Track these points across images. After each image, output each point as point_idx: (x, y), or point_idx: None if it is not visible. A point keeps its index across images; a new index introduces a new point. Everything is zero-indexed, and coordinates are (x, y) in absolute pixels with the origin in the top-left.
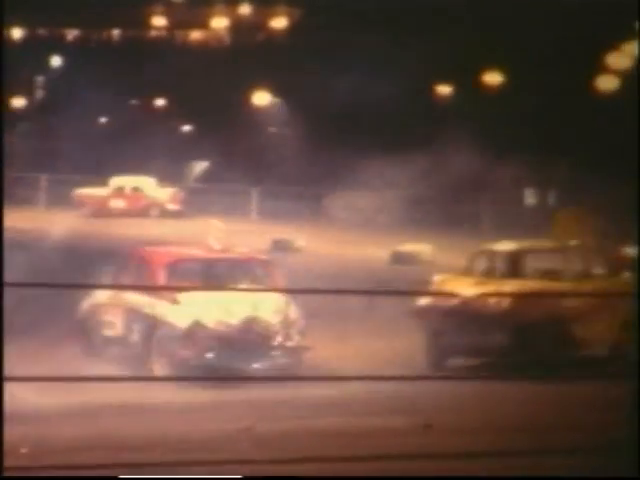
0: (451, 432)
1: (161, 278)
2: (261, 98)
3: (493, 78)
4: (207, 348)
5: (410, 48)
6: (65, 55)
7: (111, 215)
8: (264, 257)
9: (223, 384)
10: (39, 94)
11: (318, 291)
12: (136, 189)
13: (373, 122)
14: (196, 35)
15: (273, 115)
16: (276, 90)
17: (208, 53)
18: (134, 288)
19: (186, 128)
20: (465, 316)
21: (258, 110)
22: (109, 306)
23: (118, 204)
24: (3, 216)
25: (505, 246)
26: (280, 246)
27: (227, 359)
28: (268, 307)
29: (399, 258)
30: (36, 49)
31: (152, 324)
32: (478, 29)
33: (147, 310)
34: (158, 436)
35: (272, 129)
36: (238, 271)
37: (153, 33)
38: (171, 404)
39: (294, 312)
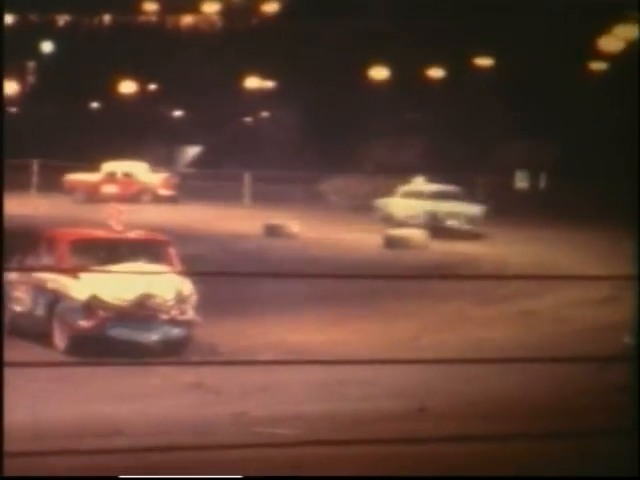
0: None
1: (65, 255)
2: (252, 83)
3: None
4: (105, 321)
5: (401, 32)
6: (56, 40)
7: (103, 200)
8: (163, 237)
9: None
10: (30, 79)
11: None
12: (128, 174)
13: (364, 107)
14: (187, 20)
15: (265, 100)
16: (267, 75)
17: (199, 38)
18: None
19: (178, 113)
20: None
21: (250, 95)
22: (18, 283)
23: (110, 189)
24: (3, 203)
25: None
26: (272, 231)
27: (124, 331)
28: (162, 284)
29: (391, 242)
30: (27, 34)
31: (54, 297)
32: (469, 13)
33: (50, 285)
34: None
35: (264, 114)
36: (136, 250)
37: (144, 18)
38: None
39: (188, 288)
